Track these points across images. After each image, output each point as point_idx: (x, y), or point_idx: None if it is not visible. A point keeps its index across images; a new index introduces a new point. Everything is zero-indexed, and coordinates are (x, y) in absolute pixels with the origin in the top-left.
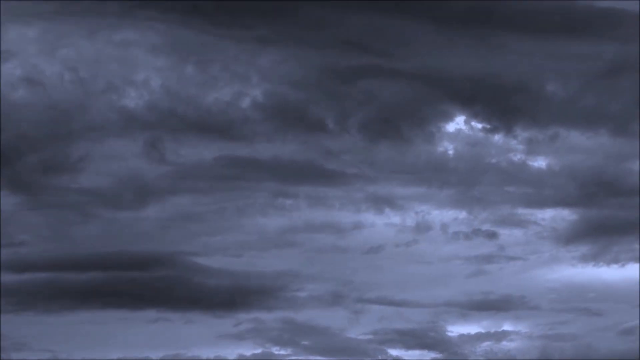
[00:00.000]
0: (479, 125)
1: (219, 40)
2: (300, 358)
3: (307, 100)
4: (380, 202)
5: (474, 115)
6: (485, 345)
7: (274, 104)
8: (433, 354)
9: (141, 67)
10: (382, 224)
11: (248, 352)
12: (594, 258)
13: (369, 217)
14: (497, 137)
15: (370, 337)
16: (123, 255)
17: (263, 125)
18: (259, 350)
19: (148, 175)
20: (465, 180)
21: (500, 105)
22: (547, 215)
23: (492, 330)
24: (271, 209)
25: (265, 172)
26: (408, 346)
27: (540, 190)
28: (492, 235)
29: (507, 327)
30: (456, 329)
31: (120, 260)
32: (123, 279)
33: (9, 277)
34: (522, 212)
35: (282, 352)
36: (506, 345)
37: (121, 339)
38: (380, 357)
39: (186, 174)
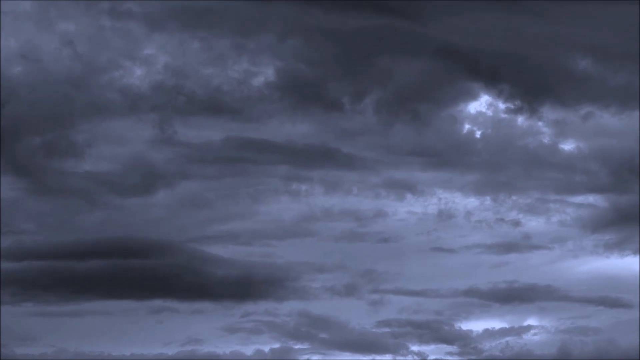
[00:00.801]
0: (505, 106)
1: (227, 9)
2: (321, 357)
3: (323, 78)
4: (400, 188)
5: (499, 94)
6: (506, 340)
7: (288, 82)
8: (451, 348)
9: (144, 43)
10: (403, 211)
11: (265, 347)
12: (619, 247)
13: (388, 203)
14: (524, 118)
15: (390, 329)
16: (128, 242)
17: (276, 105)
18: (276, 345)
19: (155, 159)
20: (490, 164)
21: (528, 83)
22: (576, 202)
23: (517, 326)
24: (285, 194)
25: (278, 155)
26: (426, 340)
27: (569, 176)
28: (517, 224)
29: (531, 320)
30: (480, 325)
31: (125, 248)
32: (127, 267)
33: (9, 266)
34: (550, 198)
35: (299, 346)
36: (528, 339)
37: (127, 331)
38: (401, 353)
39: (195, 158)
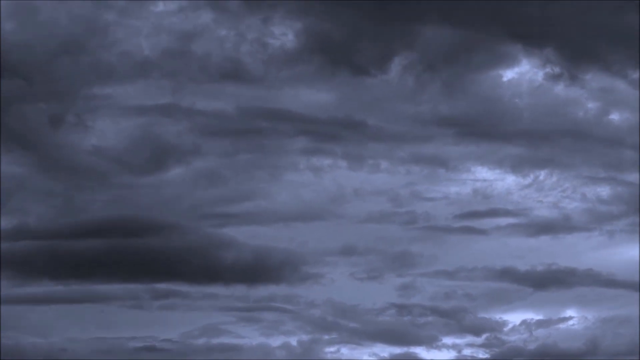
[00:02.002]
0: (546, 72)
1: None
2: (352, 348)
3: (349, 42)
4: (431, 163)
5: (542, 59)
6: (539, 332)
7: (307, 46)
8: (477, 339)
9: (152, 1)
10: (434, 189)
11: (292, 339)
12: None
13: (418, 180)
14: (567, 86)
15: (419, 319)
16: (134, 222)
17: (295, 70)
18: (303, 336)
19: (166, 133)
20: (530, 137)
21: (572, 47)
22: (624, 180)
23: (555, 317)
24: (305, 170)
25: (299, 126)
26: (453, 330)
27: (617, 151)
28: (558, 203)
29: (571, 311)
30: (516, 316)
31: (131, 228)
32: (133, 248)
33: (8, 246)
34: (595, 175)
35: (327, 336)
36: (564, 328)
37: (138, 317)
38: (434, 345)
39: (209, 130)
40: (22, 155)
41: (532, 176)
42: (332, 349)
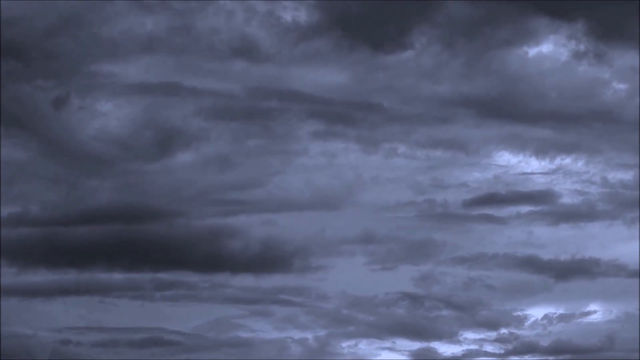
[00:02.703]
0: (573, 49)
1: None
2: (370, 344)
3: (362, 18)
4: (450, 147)
5: (569, 36)
6: (559, 326)
7: (322, 21)
8: (495, 334)
9: None
10: (454, 175)
11: (308, 334)
12: None
13: (437, 164)
14: (595, 65)
15: (435, 313)
16: (138, 209)
17: (308, 47)
18: (319, 331)
19: (171, 116)
20: (556, 119)
21: (602, 24)
22: None
23: (578, 312)
24: (316, 155)
25: (310, 107)
26: (468, 325)
27: None
28: (583, 189)
29: (593, 304)
30: (539, 311)
31: (134, 215)
32: (136, 236)
33: (8, 233)
34: (623, 162)
35: (342, 330)
36: (585, 323)
37: (143, 307)
38: (454, 340)
39: (215, 112)
40: (23, 140)
41: (557, 161)
42: (349, 343)
